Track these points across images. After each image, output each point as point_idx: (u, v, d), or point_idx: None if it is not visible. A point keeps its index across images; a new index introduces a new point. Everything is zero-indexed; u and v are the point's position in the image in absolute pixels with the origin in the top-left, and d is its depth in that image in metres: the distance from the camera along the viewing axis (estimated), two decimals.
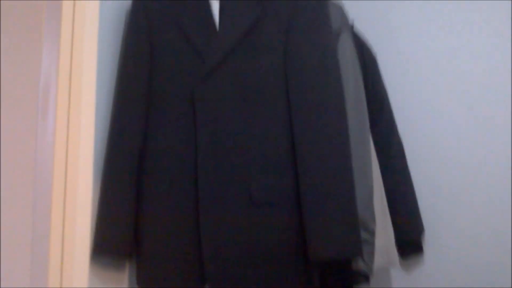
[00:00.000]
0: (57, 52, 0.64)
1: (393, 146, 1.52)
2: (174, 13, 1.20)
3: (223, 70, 1.12)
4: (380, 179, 1.39)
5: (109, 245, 1.13)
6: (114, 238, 1.14)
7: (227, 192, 1.08)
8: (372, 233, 1.23)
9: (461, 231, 1.56)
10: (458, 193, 1.58)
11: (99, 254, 1.13)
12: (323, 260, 1.02)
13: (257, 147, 1.09)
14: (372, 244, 1.22)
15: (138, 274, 1.18)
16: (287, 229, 1.08)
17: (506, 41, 1.58)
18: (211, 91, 1.12)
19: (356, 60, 1.38)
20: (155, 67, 1.21)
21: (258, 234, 1.06)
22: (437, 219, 1.60)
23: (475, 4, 1.64)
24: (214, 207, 1.08)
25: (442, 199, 1.60)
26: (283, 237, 1.07)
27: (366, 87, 1.50)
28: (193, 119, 1.13)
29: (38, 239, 0.76)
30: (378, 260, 1.23)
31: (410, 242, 1.50)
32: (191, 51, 1.16)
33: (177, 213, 1.11)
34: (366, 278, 1.23)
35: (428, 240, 1.59)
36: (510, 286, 1.46)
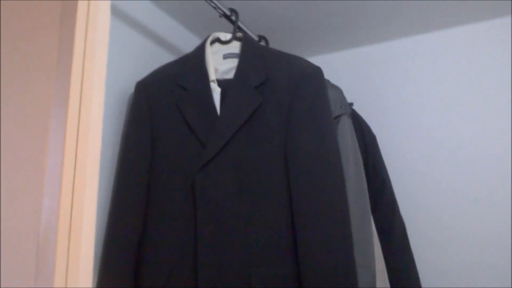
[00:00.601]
0: (62, 146, 0.65)
1: (395, 227, 1.50)
2: (175, 99, 1.22)
3: (223, 157, 1.12)
4: (382, 262, 1.36)
5: None
6: None
7: (227, 281, 1.05)
8: None
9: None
10: (461, 265, 1.55)
11: None
12: None
13: (257, 235, 1.07)
14: None
15: None
16: None
17: (506, 118, 1.60)
18: (211, 178, 1.11)
19: (356, 142, 1.40)
20: (156, 153, 1.21)
21: None
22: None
23: (474, 81, 1.68)
24: None
25: (445, 281, 1.57)
26: None
27: (366, 167, 1.51)
28: (193, 206, 1.12)
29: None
30: None
31: None
32: (192, 137, 1.16)
33: None
34: None
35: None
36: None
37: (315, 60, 2.03)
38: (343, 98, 1.42)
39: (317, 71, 1.20)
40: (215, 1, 1.28)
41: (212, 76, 1.22)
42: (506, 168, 1.56)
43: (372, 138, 1.61)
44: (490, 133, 1.62)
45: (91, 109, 0.60)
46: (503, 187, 1.55)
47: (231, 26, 1.35)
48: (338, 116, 1.35)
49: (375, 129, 1.80)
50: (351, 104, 1.58)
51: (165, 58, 1.58)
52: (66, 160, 0.60)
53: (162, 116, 1.23)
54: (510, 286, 1.48)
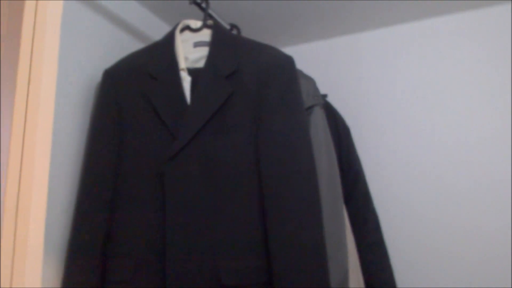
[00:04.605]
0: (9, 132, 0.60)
1: (368, 220, 1.50)
2: (144, 88, 1.19)
3: (193, 147, 1.10)
4: (355, 255, 1.35)
5: None
6: None
7: (196, 275, 1.03)
8: None
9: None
10: (436, 266, 1.56)
11: None
12: None
13: (227, 228, 1.06)
14: None
15: None
16: None
17: (491, 108, 1.61)
18: (181, 169, 1.09)
19: (328, 133, 1.38)
20: (125, 143, 1.18)
21: None
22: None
23: (456, 71, 1.68)
24: None
25: (419, 275, 1.57)
26: None
27: (340, 159, 1.49)
28: (162, 198, 1.09)
29: None
30: None
31: None
32: (161, 127, 1.14)
33: None
34: None
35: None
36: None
37: (289, 50, 2.01)
38: (315, 88, 1.40)
39: (288, 61, 1.18)
40: None
41: (182, 64, 1.19)
42: (488, 158, 1.56)
43: (346, 130, 1.60)
44: (473, 123, 1.61)
45: (40, 95, 0.57)
46: (484, 177, 1.55)
47: (201, 14, 1.31)
48: (310, 107, 1.33)
49: (350, 121, 1.79)
50: (325, 95, 1.57)
51: (134, 45, 1.54)
52: (12, 148, 0.56)
53: (131, 105, 1.20)
54: (484, 280, 1.49)
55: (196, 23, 1.26)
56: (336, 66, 1.89)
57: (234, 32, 1.51)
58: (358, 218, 1.47)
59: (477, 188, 1.55)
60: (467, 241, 1.53)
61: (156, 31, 1.65)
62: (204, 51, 1.22)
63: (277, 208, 1.05)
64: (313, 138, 1.25)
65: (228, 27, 1.48)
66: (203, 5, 1.31)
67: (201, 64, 1.21)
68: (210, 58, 1.18)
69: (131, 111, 1.19)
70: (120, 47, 1.47)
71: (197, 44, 1.23)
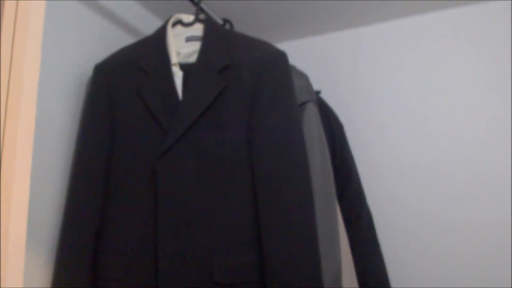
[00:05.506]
0: None
1: (362, 217, 1.49)
2: (136, 83, 1.17)
3: (185, 142, 1.09)
4: (349, 252, 1.35)
5: None
6: None
7: (188, 273, 1.02)
8: None
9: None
10: (429, 263, 1.55)
11: None
12: None
13: (220, 225, 1.05)
14: None
15: None
16: None
17: (487, 105, 1.60)
18: (173, 165, 1.08)
19: (322, 129, 1.37)
20: (116, 139, 1.17)
21: None
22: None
23: (451, 68, 1.68)
24: None
25: (412, 272, 1.57)
26: None
27: (333, 156, 1.49)
28: (154, 194, 1.08)
29: None
30: None
31: None
32: (153, 123, 1.12)
33: None
34: None
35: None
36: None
37: (283, 46, 1.99)
38: (308, 84, 1.39)
39: (281, 56, 1.17)
40: None
41: (174, 59, 1.18)
42: (486, 154, 1.56)
43: (340, 126, 1.59)
44: (470, 120, 1.61)
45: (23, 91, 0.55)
46: (481, 174, 1.55)
47: (194, 8, 1.30)
48: (303, 103, 1.32)
49: (344, 117, 1.78)
50: (318, 92, 1.56)
51: (125, 40, 1.52)
52: None
53: (122, 101, 1.19)
54: (482, 279, 1.49)
55: (188, 18, 1.25)
56: (330, 62, 1.88)
57: (227, 27, 1.50)
58: (351, 215, 1.47)
59: (474, 186, 1.55)
60: (462, 238, 1.53)
61: (148, 25, 1.64)
62: (196, 46, 1.20)
63: (270, 204, 1.05)
64: (306, 134, 1.24)
65: (221, 22, 1.46)
66: None
67: (193, 59, 1.19)
68: (203, 52, 1.17)
69: (123, 106, 1.18)
70: (111, 41, 1.45)
71: (189, 39, 1.22)
